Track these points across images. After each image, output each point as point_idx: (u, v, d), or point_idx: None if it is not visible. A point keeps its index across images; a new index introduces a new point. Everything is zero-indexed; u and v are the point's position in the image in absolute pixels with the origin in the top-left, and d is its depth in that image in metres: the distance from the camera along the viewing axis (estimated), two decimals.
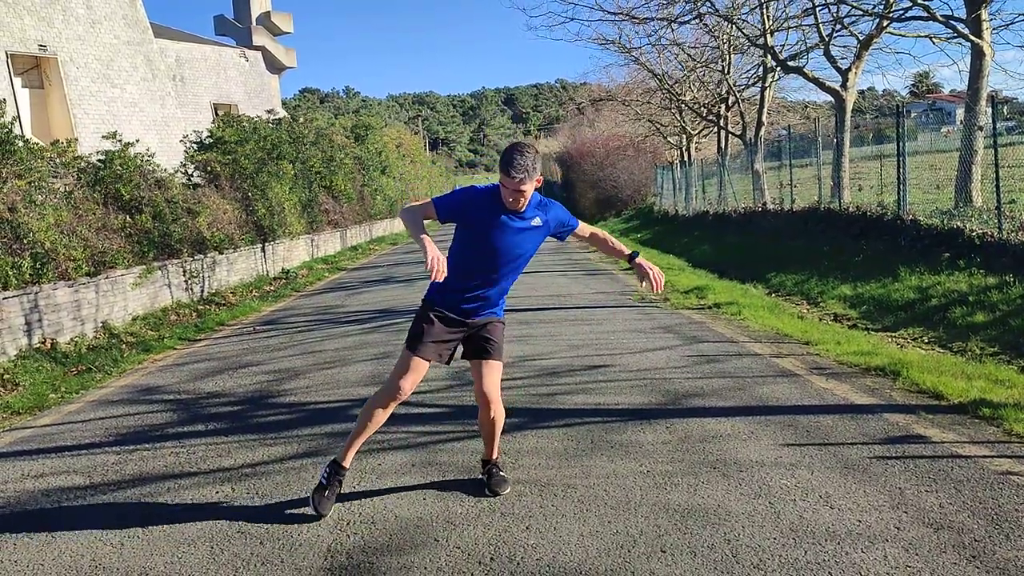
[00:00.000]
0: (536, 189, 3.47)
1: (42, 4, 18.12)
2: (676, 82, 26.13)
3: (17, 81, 17.43)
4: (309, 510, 3.65)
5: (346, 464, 3.69)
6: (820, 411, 4.84)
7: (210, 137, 17.10)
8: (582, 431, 4.69)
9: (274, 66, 33.53)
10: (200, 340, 9.59)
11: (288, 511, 3.73)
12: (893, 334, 7.82)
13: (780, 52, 18.34)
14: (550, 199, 3.70)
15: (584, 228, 3.82)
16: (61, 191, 10.12)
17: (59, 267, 9.06)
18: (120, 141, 12.15)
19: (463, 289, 3.57)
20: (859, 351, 6.41)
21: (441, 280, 3.20)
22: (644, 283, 3.58)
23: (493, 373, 3.64)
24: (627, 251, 3.76)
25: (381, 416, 3.61)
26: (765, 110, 20.12)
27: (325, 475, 3.69)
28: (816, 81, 16.10)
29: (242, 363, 7.67)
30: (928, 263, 9.30)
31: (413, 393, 5.80)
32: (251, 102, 28.25)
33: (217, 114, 24.09)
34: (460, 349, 3.72)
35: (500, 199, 3.43)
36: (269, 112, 22.28)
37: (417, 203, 3.59)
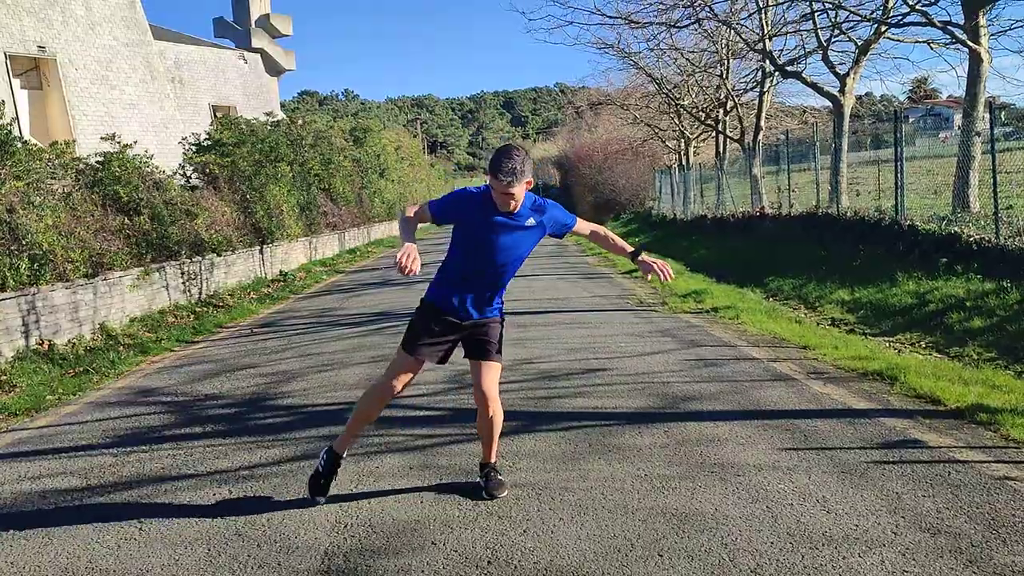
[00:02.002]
0: (532, 190, 3.55)
1: (41, 5, 18.12)
2: (675, 86, 26.15)
3: (16, 82, 17.41)
4: (305, 493, 3.85)
5: (345, 454, 3.85)
6: (817, 415, 4.84)
7: (208, 139, 17.09)
8: (580, 434, 4.69)
9: (273, 68, 33.50)
10: (198, 342, 9.58)
11: (286, 513, 3.73)
12: (891, 339, 7.84)
13: (778, 57, 18.37)
14: (546, 199, 3.73)
15: (583, 226, 3.84)
16: (59, 192, 10.11)
17: (57, 268, 9.05)
18: (119, 143, 12.13)
19: (459, 289, 3.63)
20: (856, 356, 6.41)
21: (410, 275, 3.26)
22: (651, 276, 3.62)
23: (491, 373, 3.67)
24: (629, 249, 3.79)
25: (374, 413, 3.76)
26: (763, 115, 20.14)
27: (322, 463, 3.83)
28: (814, 86, 16.14)
29: (240, 365, 7.66)
30: (926, 268, 9.32)
31: (411, 396, 5.84)
32: (250, 104, 28.23)
33: (216, 116, 24.07)
34: (460, 349, 3.75)
35: (492, 201, 3.48)
36: (268, 114, 22.26)
37: (414, 208, 3.66)
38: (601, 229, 3.91)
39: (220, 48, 29.84)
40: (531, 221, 3.56)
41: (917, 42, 14.50)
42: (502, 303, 3.79)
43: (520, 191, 3.41)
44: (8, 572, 3.31)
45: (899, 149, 11.20)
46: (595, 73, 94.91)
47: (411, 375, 3.67)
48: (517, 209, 3.49)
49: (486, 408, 3.67)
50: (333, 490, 3.98)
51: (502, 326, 3.78)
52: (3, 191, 8.70)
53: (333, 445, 3.82)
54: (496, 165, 3.36)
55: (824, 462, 4.01)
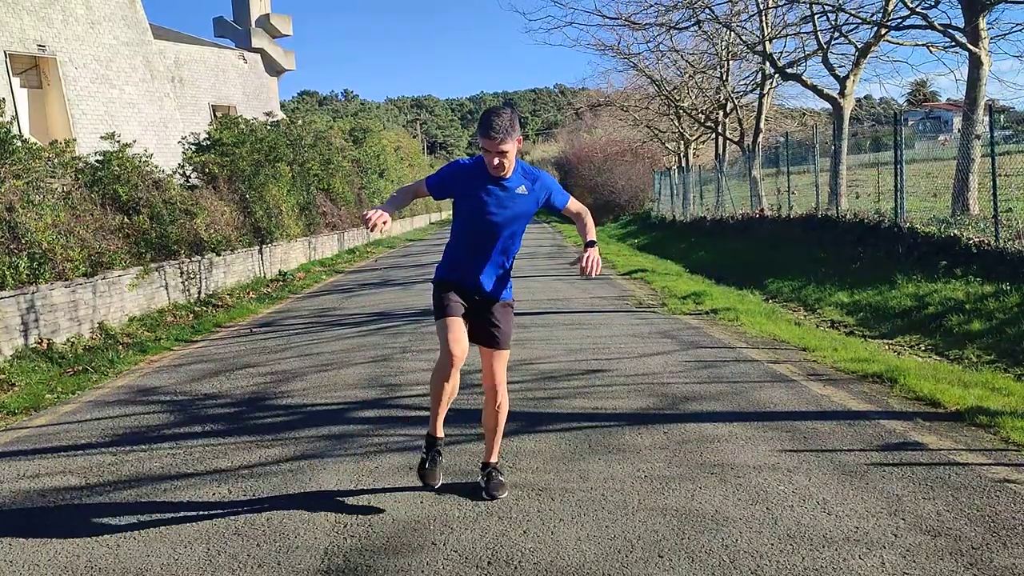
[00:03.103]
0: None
1: (41, 4, 18.11)
2: (674, 88, 26.18)
3: (16, 81, 17.40)
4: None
5: (438, 434, 3.72)
6: (817, 417, 4.84)
7: (208, 139, 17.09)
8: (580, 435, 4.69)
9: (273, 68, 33.52)
10: (197, 342, 9.57)
11: (285, 513, 3.73)
12: (890, 341, 7.84)
13: (778, 59, 18.39)
14: (539, 169, 3.75)
15: (573, 204, 3.82)
16: (59, 191, 10.10)
17: (56, 267, 9.04)
18: (118, 142, 12.13)
19: (464, 262, 3.67)
20: (856, 358, 6.42)
21: (374, 229, 3.30)
22: (575, 264, 3.53)
23: (500, 362, 3.72)
24: (589, 238, 3.66)
25: (448, 387, 3.59)
26: (763, 117, 20.16)
27: (424, 450, 3.76)
28: (814, 88, 16.16)
29: (239, 365, 7.66)
30: (925, 271, 9.32)
31: (411, 396, 5.84)
32: (249, 104, 28.23)
33: (215, 116, 24.07)
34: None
35: (484, 169, 3.53)
36: (267, 114, 22.26)
37: (410, 184, 3.77)
38: (587, 214, 3.83)
39: (220, 48, 29.84)
40: (522, 189, 3.59)
41: (917, 45, 14.53)
42: (511, 286, 3.80)
43: (512, 150, 3.44)
44: (7, 571, 3.31)
45: (899, 152, 11.20)
46: (595, 74, 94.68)
47: (461, 335, 3.53)
48: (509, 174, 3.53)
49: (494, 395, 3.71)
50: (332, 489, 3.98)
51: (512, 310, 3.79)
52: (3, 190, 8.69)
53: (429, 431, 3.74)
54: (486, 124, 3.39)
55: (824, 464, 4.02)
